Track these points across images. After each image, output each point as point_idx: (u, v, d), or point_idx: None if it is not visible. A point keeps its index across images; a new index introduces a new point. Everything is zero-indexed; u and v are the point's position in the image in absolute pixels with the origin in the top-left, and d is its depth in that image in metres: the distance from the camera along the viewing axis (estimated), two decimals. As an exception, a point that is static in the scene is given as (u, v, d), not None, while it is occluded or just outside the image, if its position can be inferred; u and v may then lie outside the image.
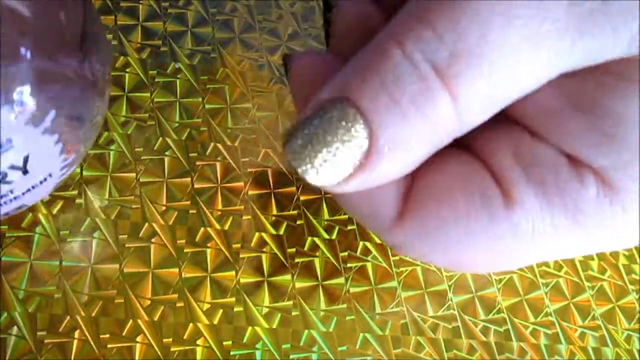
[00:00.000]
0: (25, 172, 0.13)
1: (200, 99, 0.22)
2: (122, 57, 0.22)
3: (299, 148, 0.11)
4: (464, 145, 0.14)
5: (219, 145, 0.21)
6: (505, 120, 0.13)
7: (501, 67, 0.10)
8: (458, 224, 0.12)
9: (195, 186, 0.20)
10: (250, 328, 0.19)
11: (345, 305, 0.20)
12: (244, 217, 0.20)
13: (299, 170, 0.11)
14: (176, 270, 0.19)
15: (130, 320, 0.18)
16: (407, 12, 0.11)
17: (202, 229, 0.20)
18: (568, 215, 0.12)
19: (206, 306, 0.19)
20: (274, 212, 0.21)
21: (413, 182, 0.13)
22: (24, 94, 0.12)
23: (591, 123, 0.11)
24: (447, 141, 0.11)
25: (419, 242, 0.13)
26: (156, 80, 0.22)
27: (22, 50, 0.12)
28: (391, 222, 0.13)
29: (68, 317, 0.18)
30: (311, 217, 0.21)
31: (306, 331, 0.19)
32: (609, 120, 0.11)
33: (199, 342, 0.18)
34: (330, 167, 0.11)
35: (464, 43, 0.10)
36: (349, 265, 0.20)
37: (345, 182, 0.11)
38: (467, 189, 0.12)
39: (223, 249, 0.20)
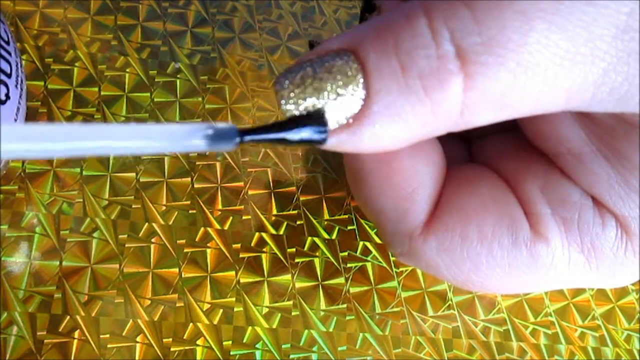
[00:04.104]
0: None
1: (200, 99, 0.22)
2: (122, 57, 0.22)
3: (291, 85, 0.10)
4: (492, 166, 0.14)
5: (219, 145, 0.21)
6: (537, 151, 0.14)
7: (528, 73, 0.09)
8: (482, 244, 0.13)
9: (195, 186, 0.20)
10: (250, 328, 0.19)
11: (345, 305, 0.20)
12: (244, 217, 0.20)
13: (283, 108, 0.10)
14: (176, 270, 0.19)
15: (130, 320, 0.18)
16: None
17: (202, 229, 0.20)
18: (584, 254, 0.12)
19: (206, 306, 0.19)
20: (274, 212, 0.21)
21: (442, 195, 0.13)
22: None
23: (618, 174, 0.11)
24: (435, 135, 0.11)
25: (438, 253, 0.13)
26: (156, 80, 0.22)
27: None
28: (417, 228, 0.13)
29: (68, 317, 0.18)
30: (311, 217, 0.21)
31: (306, 331, 0.19)
32: (636, 173, 0.11)
33: (199, 342, 0.18)
34: None
35: (502, 36, 0.09)
36: (349, 265, 0.20)
37: None
38: (497, 213, 0.13)
39: (223, 249, 0.20)
